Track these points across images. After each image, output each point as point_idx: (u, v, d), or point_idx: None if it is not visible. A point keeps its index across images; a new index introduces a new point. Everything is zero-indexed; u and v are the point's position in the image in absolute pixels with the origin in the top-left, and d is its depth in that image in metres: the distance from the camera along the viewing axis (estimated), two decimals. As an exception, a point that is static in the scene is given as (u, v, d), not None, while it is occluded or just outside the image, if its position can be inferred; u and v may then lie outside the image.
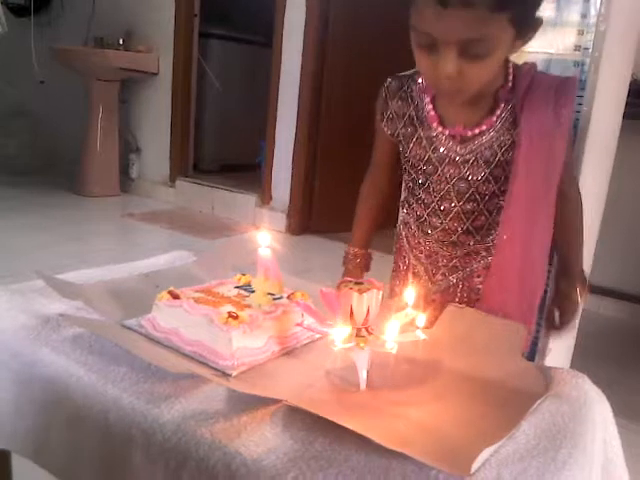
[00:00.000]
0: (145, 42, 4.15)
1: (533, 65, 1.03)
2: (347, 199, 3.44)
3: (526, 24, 0.91)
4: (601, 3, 1.30)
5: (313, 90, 3.59)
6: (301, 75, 3.58)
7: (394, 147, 1.13)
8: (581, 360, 1.51)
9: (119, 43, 4.08)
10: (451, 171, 1.05)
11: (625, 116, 1.53)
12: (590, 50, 1.33)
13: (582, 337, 1.64)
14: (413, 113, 1.07)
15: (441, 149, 1.04)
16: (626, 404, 0.89)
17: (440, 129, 1.04)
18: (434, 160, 1.05)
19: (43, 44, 4.10)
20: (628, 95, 1.54)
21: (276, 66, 3.68)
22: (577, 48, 1.36)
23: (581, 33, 1.35)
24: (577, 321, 1.61)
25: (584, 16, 1.34)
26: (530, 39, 0.94)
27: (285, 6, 3.57)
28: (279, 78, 3.68)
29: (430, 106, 1.04)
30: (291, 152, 3.71)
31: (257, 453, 0.64)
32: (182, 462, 0.66)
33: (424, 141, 1.06)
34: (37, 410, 0.81)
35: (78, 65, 4.06)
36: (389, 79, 1.10)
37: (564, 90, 0.99)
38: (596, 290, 2.66)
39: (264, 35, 4.35)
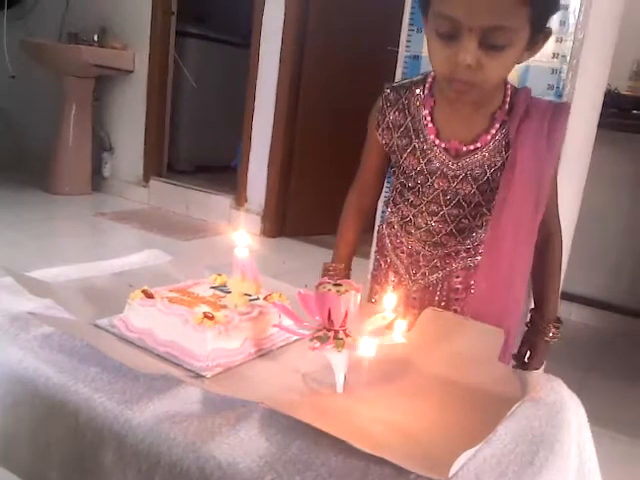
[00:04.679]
0: (120, 39, 4.08)
1: (529, 91, 1.05)
2: (322, 203, 3.47)
3: (540, 28, 0.94)
4: (580, 11, 1.32)
5: (290, 92, 3.57)
6: (278, 77, 3.57)
7: (385, 156, 1.14)
8: (552, 365, 1.52)
9: (94, 39, 4.01)
10: (441, 183, 1.07)
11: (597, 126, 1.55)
12: (568, 58, 1.36)
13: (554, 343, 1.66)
14: (410, 124, 1.08)
15: (435, 162, 1.06)
16: (594, 409, 0.91)
17: (437, 141, 1.05)
18: (426, 172, 1.07)
19: (15, 38, 4.01)
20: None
21: (253, 67, 3.65)
22: (555, 55, 1.38)
23: (559, 40, 1.37)
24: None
25: (563, 24, 1.36)
26: (536, 52, 0.98)
27: (263, 7, 3.55)
28: (256, 79, 3.65)
29: (428, 118, 1.06)
30: (267, 154, 3.69)
31: (232, 456, 0.62)
32: (154, 465, 0.64)
33: (418, 152, 1.07)
34: (4, 411, 0.78)
35: (51, 61, 3.98)
36: (387, 90, 1.10)
37: (558, 116, 1.02)
38: (567, 297, 2.69)
39: (242, 36, 4.33)
